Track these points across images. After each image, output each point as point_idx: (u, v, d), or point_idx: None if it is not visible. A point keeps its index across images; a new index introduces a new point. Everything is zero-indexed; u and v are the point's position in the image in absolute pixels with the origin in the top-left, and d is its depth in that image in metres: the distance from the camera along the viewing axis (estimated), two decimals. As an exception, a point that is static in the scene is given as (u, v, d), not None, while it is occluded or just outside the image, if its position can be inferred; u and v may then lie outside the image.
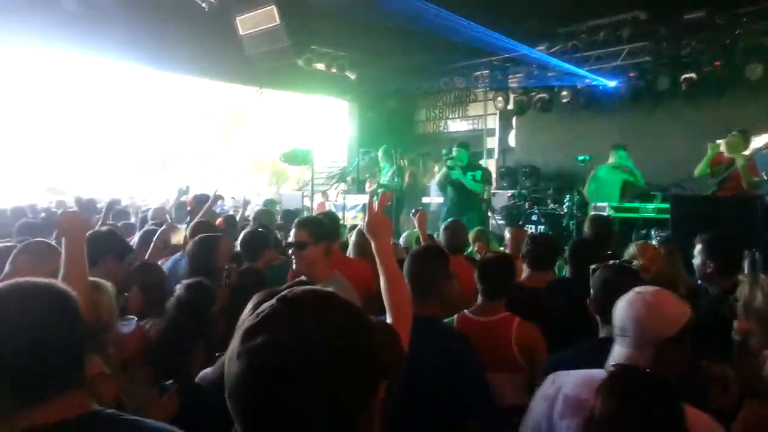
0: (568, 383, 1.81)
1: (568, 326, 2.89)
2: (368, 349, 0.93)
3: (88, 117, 25.69)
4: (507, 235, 5.08)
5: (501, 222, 10.35)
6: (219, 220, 6.24)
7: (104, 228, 3.93)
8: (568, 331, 2.76)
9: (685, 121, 10.35)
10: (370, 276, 3.50)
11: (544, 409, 1.82)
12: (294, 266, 3.12)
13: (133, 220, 7.38)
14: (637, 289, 1.91)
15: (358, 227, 4.58)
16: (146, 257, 4.05)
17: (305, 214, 9.45)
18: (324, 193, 14.02)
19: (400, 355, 1.66)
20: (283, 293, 0.95)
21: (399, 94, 14.47)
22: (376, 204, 2.12)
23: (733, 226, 5.25)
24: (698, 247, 3.47)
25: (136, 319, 2.65)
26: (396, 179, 10.25)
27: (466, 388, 2.49)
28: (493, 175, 12.97)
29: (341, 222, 8.11)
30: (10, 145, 22.63)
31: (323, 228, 3.17)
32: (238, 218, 6.95)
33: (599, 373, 1.70)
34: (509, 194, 11.11)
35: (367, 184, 12.56)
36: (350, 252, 4.36)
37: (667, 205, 7.26)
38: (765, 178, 7.09)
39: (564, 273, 4.49)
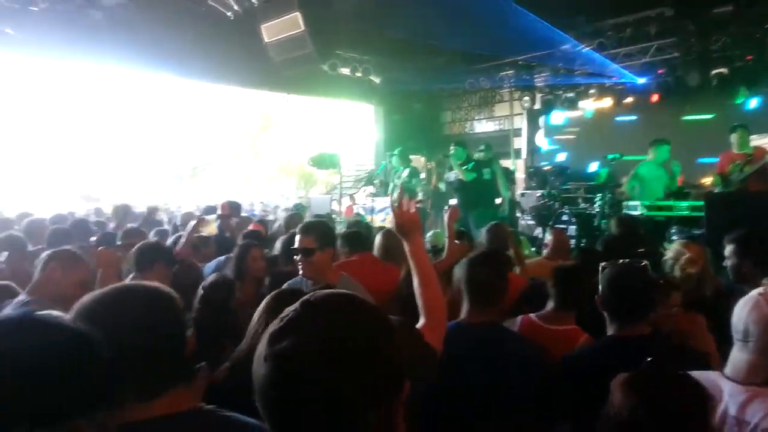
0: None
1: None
2: (390, 350, 0.95)
3: (121, 126, 26.32)
4: (548, 236, 4.88)
5: (531, 222, 10.25)
6: (253, 225, 6.36)
7: (154, 239, 4.14)
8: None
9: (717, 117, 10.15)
10: (391, 278, 3.52)
11: None
12: (300, 272, 3.12)
13: (167, 226, 7.54)
14: (759, 290, 1.76)
15: (384, 229, 4.51)
16: (178, 249, 4.27)
17: (336, 218, 9.53)
18: (351, 197, 14.11)
19: (427, 354, 1.67)
20: (306, 297, 0.98)
21: (424, 97, 14.48)
22: (405, 203, 2.07)
23: (768, 223, 5.11)
24: (730, 248, 3.39)
25: None
26: (412, 180, 10.28)
27: (538, 396, 2.39)
28: (522, 176, 12.92)
29: (370, 224, 8.15)
30: (47, 155, 23.31)
31: (329, 233, 3.20)
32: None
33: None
34: (538, 194, 11.01)
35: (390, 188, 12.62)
36: (377, 254, 4.29)
37: (701, 203, 7.10)
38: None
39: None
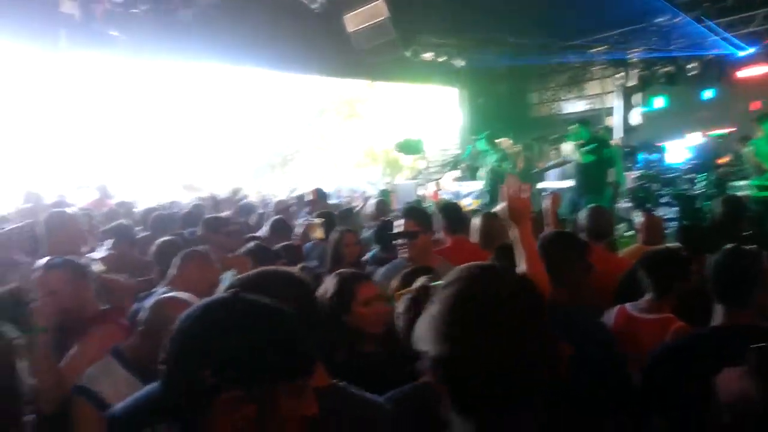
0: None
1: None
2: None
3: (217, 119, 27.64)
4: (638, 219, 4.49)
5: (627, 205, 9.80)
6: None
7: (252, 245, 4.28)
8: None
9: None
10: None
11: None
12: (405, 255, 3.15)
13: (261, 212, 7.85)
14: None
15: (485, 213, 4.25)
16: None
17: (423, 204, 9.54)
18: (437, 182, 14.07)
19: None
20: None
21: (509, 79, 14.14)
22: (518, 188, 2.04)
23: None
24: None
25: None
26: (502, 165, 10.07)
27: (608, 382, 2.33)
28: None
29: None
30: (151, 148, 24.87)
31: (429, 217, 3.22)
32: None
33: None
34: (635, 175, 10.48)
35: (481, 171, 12.44)
36: (475, 239, 4.06)
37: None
38: None
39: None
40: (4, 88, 22.17)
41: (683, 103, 11.57)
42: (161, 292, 2.86)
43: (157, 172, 21.52)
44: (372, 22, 8.63)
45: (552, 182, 10.96)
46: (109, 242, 4.27)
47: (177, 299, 2.10)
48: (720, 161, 8.77)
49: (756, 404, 1.41)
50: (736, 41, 9.75)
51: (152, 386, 1.66)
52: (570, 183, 9.34)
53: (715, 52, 10.04)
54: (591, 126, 8.88)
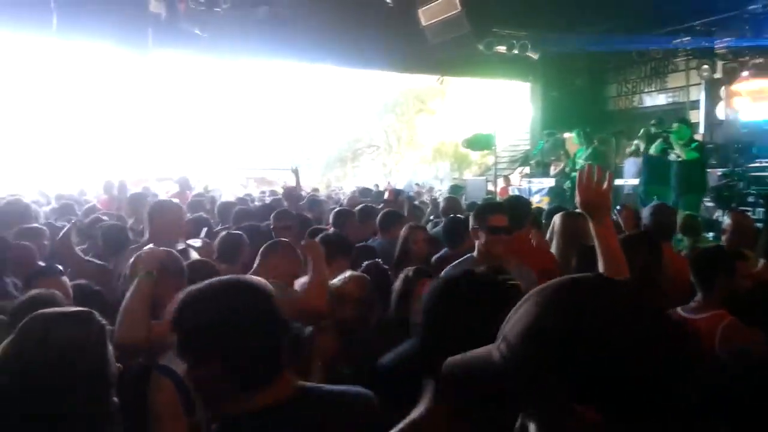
0: None
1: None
2: None
3: (289, 115, 28.30)
4: (726, 220, 4.28)
5: (710, 204, 9.31)
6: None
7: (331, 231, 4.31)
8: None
9: None
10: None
11: None
12: (495, 250, 3.04)
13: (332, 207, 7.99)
14: None
15: (565, 212, 4.07)
16: None
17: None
18: (506, 178, 13.85)
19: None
20: None
21: (586, 71, 13.69)
22: (595, 177, 1.90)
23: None
24: None
25: None
26: (594, 162, 9.75)
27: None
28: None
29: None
30: (224, 141, 25.76)
31: (525, 214, 3.17)
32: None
33: None
34: (719, 173, 9.93)
35: (552, 168, 12.14)
36: (554, 237, 3.91)
37: None
38: None
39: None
40: (94, 85, 23.52)
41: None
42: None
43: (229, 165, 22.27)
44: (446, 16, 8.58)
45: (629, 179, 10.56)
46: (204, 232, 4.44)
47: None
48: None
49: None
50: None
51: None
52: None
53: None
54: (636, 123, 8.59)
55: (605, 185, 1.91)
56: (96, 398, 1.45)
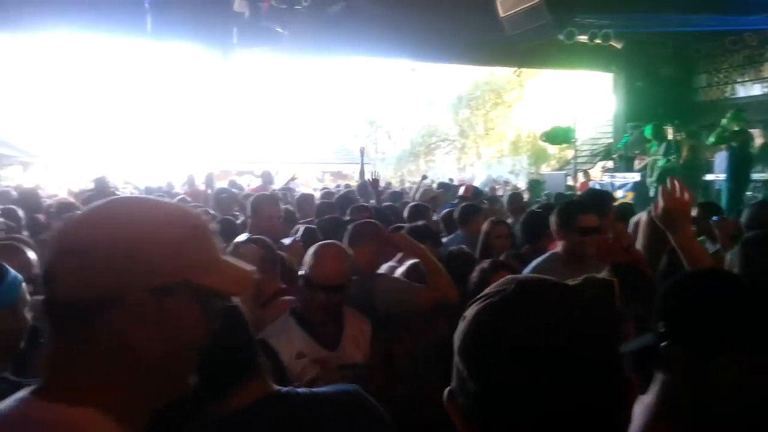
0: None
1: None
2: None
3: (360, 109, 28.64)
4: None
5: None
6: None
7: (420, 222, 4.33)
8: None
9: None
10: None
11: None
12: (587, 252, 2.94)
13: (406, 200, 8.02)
14: None
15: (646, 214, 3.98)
16: None
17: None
18: (586, 173, 13.41)
19: None
20: None
21: (674, 60, 13.02)
22: (677, 187, 1.87)
23: None
24: None
25: None
26: (670, 158, 9.29)
27: None
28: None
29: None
30: (299, 137, 26.37)
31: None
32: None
33: None
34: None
35: (636, 162, 11.66)
36: (639, 234, 3.80)
37: None
38: None
39: None
40: (175, 82, 24.62)
41: None
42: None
43: (305, 159, 22.77)
44: (525, 6, 8.37)
45: (719, 174, 9.96)
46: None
47: None
48: None
49: None
50: None
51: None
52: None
53: None
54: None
55: (686, 195, 1.89)
56: (242, 364, 1.56)
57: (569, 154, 15.78)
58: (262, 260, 2.56)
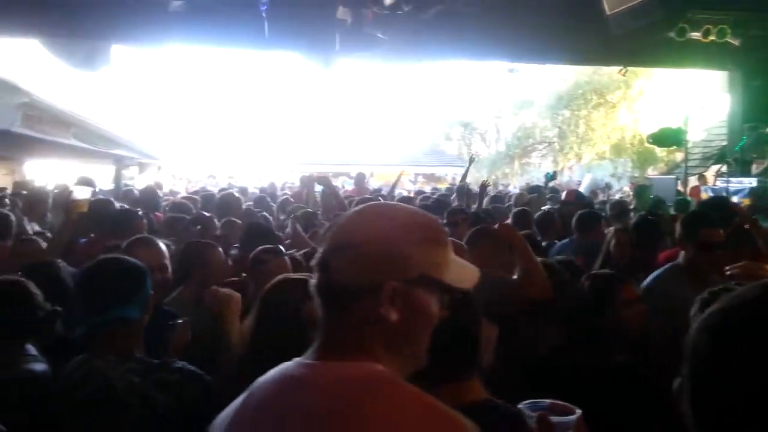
0: None
1: None
2: None
3: (453, 111, 28.53)
4: None
5: None
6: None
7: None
8: None
9: None
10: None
11: None
12: (709, 268, 2.81)
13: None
14: None
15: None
16: None
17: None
18: (701, 176, 12.61)
19: None
20: None
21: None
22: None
23: None
24: None
25: None
26: None
27: None
28: None
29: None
30: (391, 139, 26.67)
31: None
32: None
33: None
34: None
35: (755, 166, 10.85)
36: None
37: None
38: None
39: None
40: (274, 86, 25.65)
41: None
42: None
43: (397, 162, 22.97)
44: (633, 3, 8.03)
45: None
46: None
47: None
48: None
49: None
50: None
51: None
52: None
53: None
54: None
55: None
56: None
57: (678, 156, 14.91)
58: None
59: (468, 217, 4.87)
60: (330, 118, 26.20)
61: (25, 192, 6.32)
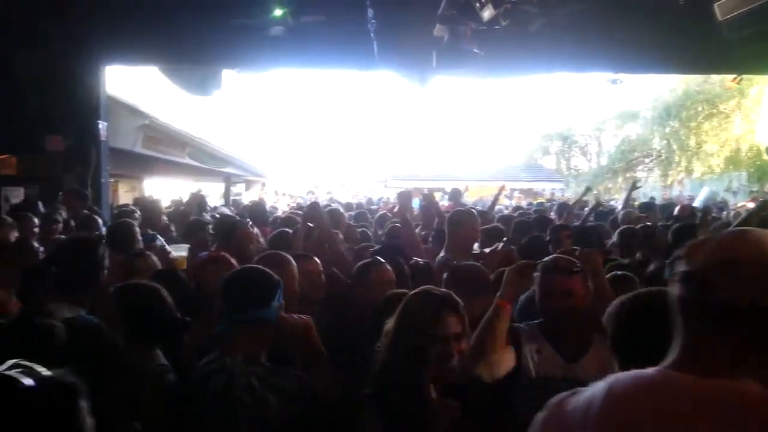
0: None
1: None
2: None
3: (550, 123, 27.83)
4: None
5: None
6: None
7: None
8: None
9: None
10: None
11: None
12: None
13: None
14: None
15: None
16: None
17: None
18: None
19: None
20: None
21: None
22: None
23: None
24: None
25: None
26: None
27: None
28: None
29: None
30: (484, 154, 26.44)
31: None
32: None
33: None
34: None
35: None
36: None
37: None
38: None
39: None
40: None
41: None
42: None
43: (493, 177, 22.73)
44: (749, 8, 7.56)
45: None
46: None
47: None
48: None
49: None
50: None
51: None
52: None
53: None
54: None
55: None
56: None
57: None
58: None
59: (572, 233, 4.80)
60: (424, 133, 26.43)
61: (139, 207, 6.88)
